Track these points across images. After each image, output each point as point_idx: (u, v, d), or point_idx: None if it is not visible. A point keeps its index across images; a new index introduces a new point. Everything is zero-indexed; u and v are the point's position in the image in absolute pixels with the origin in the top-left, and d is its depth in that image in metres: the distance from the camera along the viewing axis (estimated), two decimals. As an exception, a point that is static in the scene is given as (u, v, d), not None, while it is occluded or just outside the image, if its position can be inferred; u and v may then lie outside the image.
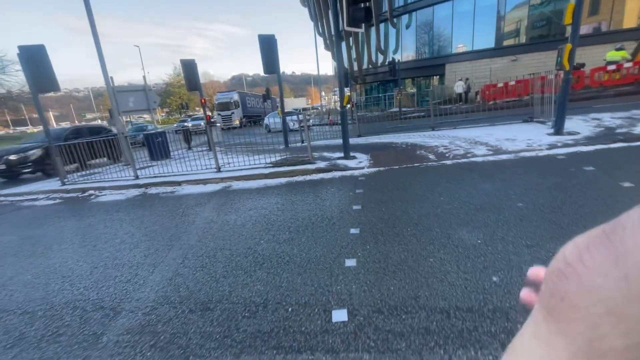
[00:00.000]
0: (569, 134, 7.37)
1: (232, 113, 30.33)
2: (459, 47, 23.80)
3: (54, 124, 58.39)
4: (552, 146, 6.59)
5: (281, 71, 12.36)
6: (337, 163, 7.20)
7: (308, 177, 6.69)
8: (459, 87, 20.88)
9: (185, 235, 4.29)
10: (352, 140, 9.99)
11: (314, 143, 11.34)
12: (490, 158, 6.37)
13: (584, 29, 18.49)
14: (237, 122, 29.53)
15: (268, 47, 10.64)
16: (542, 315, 0.25)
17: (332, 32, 30.62)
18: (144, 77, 41.45)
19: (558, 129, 7.58)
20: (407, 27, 26.72)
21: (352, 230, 3.79)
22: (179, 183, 7.62)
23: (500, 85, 17.42)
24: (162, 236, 4.36)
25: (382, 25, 27.85)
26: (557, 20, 20.23)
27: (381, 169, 6.44)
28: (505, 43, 22.11)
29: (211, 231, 4.33)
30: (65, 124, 65.22)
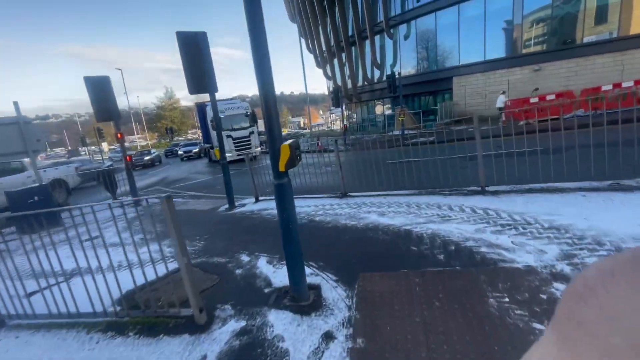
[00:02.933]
0: None
1: (251, 133, 18.55)
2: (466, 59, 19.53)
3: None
4: None
5: (280, 91, 8.60)
6: (262, 338, 2.61)
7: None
8: (499, 102, 16.03)
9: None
10: (329, 210, 5.44)
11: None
12: None
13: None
14: (258, 150, 18.55)
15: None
16: (555, 338, 0.23)
17: (324, 48, 26.69)
18: (139, 100, 37.99)
19: None
20: (406, 37, 22.60)
21: None
22: None
23: (534, 99, 12.87)
24: None
25: (377, 37, 23.83)
26: (589, 21, 15.95)
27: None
28: (525, 51, 17.79)
29: None
30: (61, 150, 61.52)
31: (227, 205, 7.04)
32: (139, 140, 52.39)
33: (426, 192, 5.22)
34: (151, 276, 3.41)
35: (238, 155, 17.61)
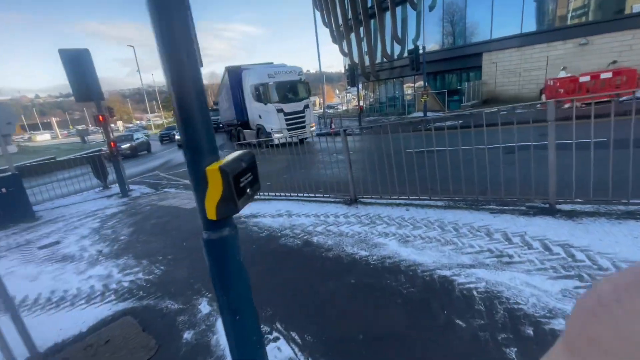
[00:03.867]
0: None
1: (306, 107, 14.27)
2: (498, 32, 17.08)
3: (57, 131, 54.95)
4: None
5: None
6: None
7: None
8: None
9: None
10: (332, 226, 4.16)
11: (269, 208, 5.59)
12: None
13: None
14: (313, 127, 14.77)
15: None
16: (565, 353, 0.22)
17: (340, 22, 24.41)
18: (153, 78, 37.04)
19: None
20: (431, 8, 20.15)
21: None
22: None
23: (584, 79, 10.77)
24: None
25: (399, 9, 21.43)
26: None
27: None
28: (570, 22, 15.29)
29: None
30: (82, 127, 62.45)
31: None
32: (153, 119, 51.93)
33: (465, 203, 3.80)
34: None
35: (290, 136, 11.73)
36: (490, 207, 3.60)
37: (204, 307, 2.65)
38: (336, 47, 26.08)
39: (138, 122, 61.63)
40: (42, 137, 49.96)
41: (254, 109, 14.35)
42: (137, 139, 21.40)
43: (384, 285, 2.53)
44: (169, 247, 4.15)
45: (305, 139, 11.57)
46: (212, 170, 1.14)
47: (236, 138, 17.28)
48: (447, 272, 2.54)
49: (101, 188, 9.31)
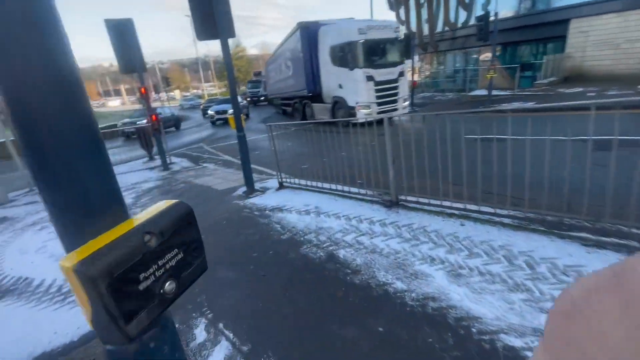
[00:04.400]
0: None
1: (401, 75, 11.16)
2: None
3: (125, 98, 59.46)
4: None
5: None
6: None
7: None
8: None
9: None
10: (365, 237, 3.48)
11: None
12: None
13: None
14: (406, 105, 11.85)
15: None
16: (546, 356, 0.23)
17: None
18: (208, 48, 37.96)
19: None
20: (509, -34, 17.09)
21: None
22: None
23: None
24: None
25: (469, -33, 18.49)
26: None
27: None
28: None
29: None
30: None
31: (245, 189, 5.48)
32: (209, 88, 53.80)
33: (544, 225, 2.86)
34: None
35: (380, 112, 10.07)
36: (582, 235, 2.63)
37: (199, 333, 2.22)
38: (393, 14, 23.77)
39: (195, 90, 64.47)
40: (113, 103, 54.71)
41: (332, 76, 11.27)
42: (166, 112, 18.52)
43: (422, 345, 1.85)
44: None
45: (393, 118, 7.67)
46: (66, 269, 0.54)
47: (300, 114, 14.44)
48: (516, 341, 1.78)
49: (147, 159, 9.55)
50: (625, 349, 0.17)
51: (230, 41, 5.15)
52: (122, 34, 7.12)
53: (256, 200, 4.84)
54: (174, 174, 7.65)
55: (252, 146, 9.83)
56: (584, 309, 0.20)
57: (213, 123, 19.15)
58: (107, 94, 70.27)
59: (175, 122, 19.69)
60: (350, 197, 4.24)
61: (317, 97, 12.84)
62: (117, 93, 66.78)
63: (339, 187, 4.42)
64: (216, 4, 4.57)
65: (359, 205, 3.99)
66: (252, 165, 7.00)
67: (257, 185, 5.63)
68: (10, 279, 3.38)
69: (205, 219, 4.34)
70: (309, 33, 11.88)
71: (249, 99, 30.04)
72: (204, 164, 8.71)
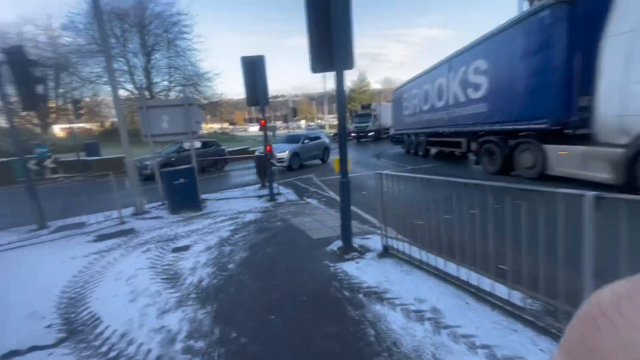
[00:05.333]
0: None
1: None
2: None
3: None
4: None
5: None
6: None
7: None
8: None
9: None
10: None
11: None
12: None
13: None
14: None
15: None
16: None
17: None
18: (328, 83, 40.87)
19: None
20: None
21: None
22: None
23: None
24: None
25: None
26: None
27: None
28: None
29: None
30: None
31: (340, 244, 4.46)
32: (330, 120, 57.47)
33: None
34: None
35: None
36: None
37: None
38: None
39: (318, 121, 69.85)
40: (253, 129, 64.54)
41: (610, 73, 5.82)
42: (206, 145, 16.61)
43: None
44: (259, 305, 3.01)
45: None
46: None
47: (499, 162, 8.97)
48: None
49: (259, 186, 9.79)
50: None
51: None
52: (253, 69, 7.43)
53: (351, 269, 3.72)
54: (277, 207, 7.34)
55: (359, 185, 8.87)
56: (614, 317, 0.18)
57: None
58: (250, 120, 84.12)
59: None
60: (499, 306, 2.64)
61: (560, 133, 7.26)
62: (258, 120, 78.73)
63: (476, 278, 2.87)
64: (335, 34, 3.90)
65: (511, 328, 2.36)
66: (355, 209, 5.98)
67: (356, 241, 4.54)
68: (86, 314, 3.19)
69: (284, 285, 3.46)
70: (584, 6, 6.45)
71: (353, 134, 27.97)
72: (308, 199, 8.22)
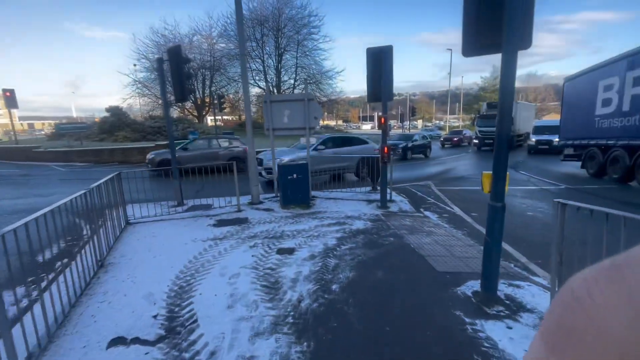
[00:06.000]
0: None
1: None
2: None
3: (376, 122, 67.26)
4: None
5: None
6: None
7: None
8: None
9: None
10: None
11: None
12: None
13: None
14: None
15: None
16: (544, 346, 0.22)
17: None
18: (462, 80, 37.20)
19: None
20: None
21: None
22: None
23: None
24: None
25: None
26: None
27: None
28: None
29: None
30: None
31: (479, 288, 3.27)
32: (452, 120, 51.96)
33: None
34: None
35: None
36: None
37: None
38: None
39: (437, 121, 64.40)
40: (365, 127, 64.41)
41: None
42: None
43: None
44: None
45: None
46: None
47: None
48: None
49: (370, 189, 9.03)
50: (627, 340, 0.17)
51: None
52: (379, 61, 6.63)
53: (500, 336, 2.54)
54: (389, 216, 6.43)
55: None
56: (585, 300, 0.20)
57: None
58: (364, 118, 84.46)
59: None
60: None
61: None
62: (372, 119, 78.65)
63: None
64: (510, 4, 2.73)
65: None
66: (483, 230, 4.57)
67: (502, 288, 3.27)
68: (186, 312, 3.06)
69: (400, 338, 2.57)
70: None
71: (476, 140, 23.22)
72: (426, 212, 7.00)
